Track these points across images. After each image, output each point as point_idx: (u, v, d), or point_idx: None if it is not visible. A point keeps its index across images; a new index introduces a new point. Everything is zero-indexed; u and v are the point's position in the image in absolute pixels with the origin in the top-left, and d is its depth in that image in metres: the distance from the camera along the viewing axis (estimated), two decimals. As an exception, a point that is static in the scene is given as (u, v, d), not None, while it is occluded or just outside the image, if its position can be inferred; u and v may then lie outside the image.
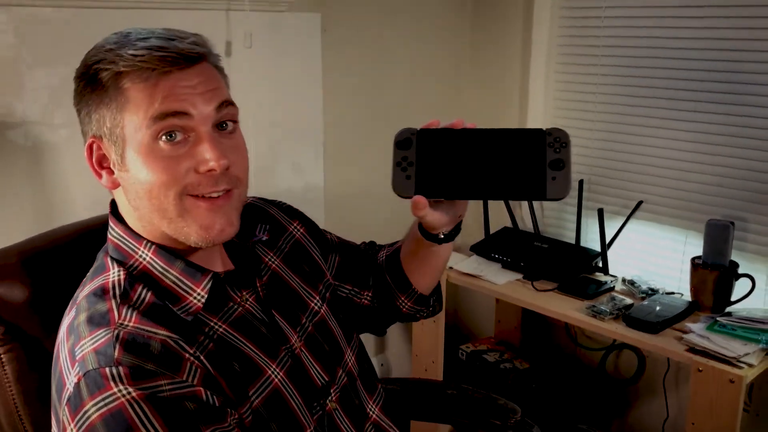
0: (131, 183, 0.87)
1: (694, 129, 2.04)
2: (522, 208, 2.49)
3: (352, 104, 2.27)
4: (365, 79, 2.30)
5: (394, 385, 1.56)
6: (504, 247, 2.27)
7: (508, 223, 2.44)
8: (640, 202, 2.16)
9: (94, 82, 0.86)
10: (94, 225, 1.12)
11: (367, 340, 1.58)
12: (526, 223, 2.47)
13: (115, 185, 0.91)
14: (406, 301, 1.20)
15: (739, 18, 1.90)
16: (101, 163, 0.90)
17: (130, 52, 0.84)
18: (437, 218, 0.99)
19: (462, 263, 2.24)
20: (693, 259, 1.93)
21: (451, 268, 2.21)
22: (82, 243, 1.07)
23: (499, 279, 2.12)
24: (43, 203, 1.65)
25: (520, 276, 2.15)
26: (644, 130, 2.15)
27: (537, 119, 2.42)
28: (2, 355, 1.01)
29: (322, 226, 1.22)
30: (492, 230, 2.43)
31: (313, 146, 2.18)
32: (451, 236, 1.06)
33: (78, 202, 1.66)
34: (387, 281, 1.20)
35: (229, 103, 0.90)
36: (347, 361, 1.08)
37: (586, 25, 2.26)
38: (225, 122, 0.90)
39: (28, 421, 1.01)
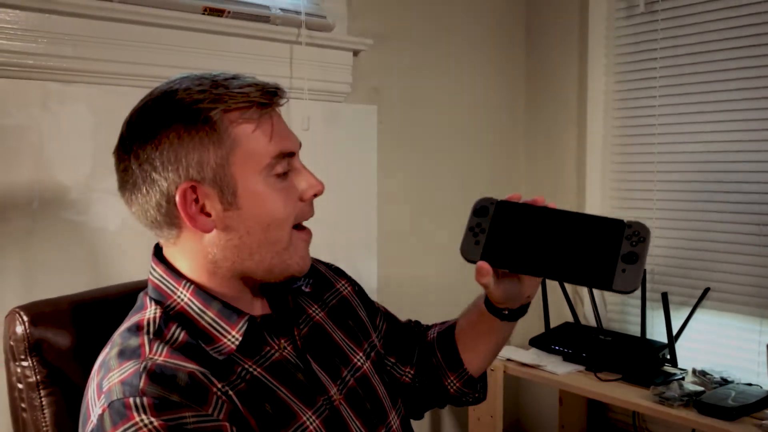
0: (242, 220, 0.88)
1: (761, 211, 1.97)
2: (584, 304, 2.42)
3: (406, 195, 2.30)
4: (419, 172, 2.34)
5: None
6: (565, 339, 2.19)
7: (569, 318, 2.36)
8: (707, 289, 2.06)
9: (195, 123, 0.85)
10: (145, 285, 1.14)
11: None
12: (588, 320, 2.39)
13: (208, 229, 0.88)
14: (455, 381, 1.15)
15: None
16: (202, 208, 0.88)
17: (235, 90, 0.87)
18: (501, 291, 0.98)
19: (521, 355, 2.16)
20: (768, 345, 1.81)
21: (509, 359, 2.12)
22: (131, 298, 1.09)
23: (560, 369, 2.03)
24: (93, 269, 1.69)
25: (582, 368, 2.05)
26: (708, 215, 2.10)
27: (595, 203, 2.39)
28: (43, 399, 1.01)
29: None
30: (552, 325, 2.35)
31: (366, 239, 2.20)
32: (515, 315, 1.05)
33: (125, 267, 1.70)
34: (436, 358, 1.16)
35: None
36: (391, 423, 1.03)
37: (640, 104, 2.27)
38: None
39: (60, 466, 0.99)
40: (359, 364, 1.04)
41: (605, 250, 0.86)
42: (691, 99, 2.12)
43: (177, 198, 0.86)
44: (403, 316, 2.17)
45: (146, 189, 0.88)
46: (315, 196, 0.94)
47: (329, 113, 2.06)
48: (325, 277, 1.13)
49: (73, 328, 1.06)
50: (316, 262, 1.15)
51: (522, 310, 1.04)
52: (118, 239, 1.70)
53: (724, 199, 2.06)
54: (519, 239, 0.91)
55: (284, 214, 0.90)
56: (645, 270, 2.15)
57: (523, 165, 2.61)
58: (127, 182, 0.90)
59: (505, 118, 2.57)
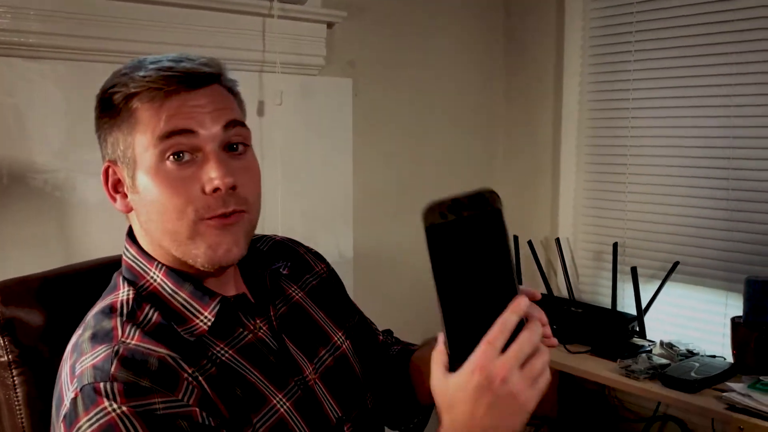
0: (142, 204, 0.88)
1: (729, 186, 2.01)
2: (558, 275, 2.45)
3: (381, 168, 2.31)
4: (395, 144, 2.34)
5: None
6: (537, 311, 2.22)
7: (543, 290, 2.39)
8: (676, 263, 2.10)
9: (108, 106, 0.89)
10: (116, 259, 1.14)
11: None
12: (561, 291, 2.42)
13: (128, 209, 0.92)
14: (398, 406, 1.15)
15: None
16: (116, 188, 0.92)
17: (140, 74, 0.86)
18: None
19: (493, 327, 2.19)
20: (733, 319, 1.85)
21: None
22: (101, 275, 1.08)
23: (531, 341, 2.06)
24: (66, 245, 1.69)
25: (553, 340, 2.08)
26: (677, 189, 2.13)
27: (569, 180, 2.41)
28: (15, 378, 1.01)
29: (349, 289, 1.21)
30: (526, 296, 2.38)
31: (342, 209, 2.21)
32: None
33: (98, 243, 1.70)
34: (389, 377, 1.15)
35: (238, 123, 0.89)
36: (368, 403, 1.04)
37: (615, 88, 2.28)
38: (236, 144, 0.90)
39: (32, 445, 1.00)
40: (339, 343, 1.05)
41: None
42: (666, 74, 2.13)
43: (101, 174, 0.92)
44: (378, 284, 2.19)
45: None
46: (216, 191, 0.85)
47: (303, 87, 2.05)
48: (305, 260, 1.13)
49: (45, 307, 1.05)
50: (296, 244, 1.15)
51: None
52: (91, 215, 1.70)
53: (693, 174, 2.09)
54: None
55: (174, 206, 0.85)
56: (616, 243, 2.20)
57: (501, 136, 2.62)
58: None
59: (482, 89, 2.57)
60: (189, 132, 0.85)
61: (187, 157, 0.86)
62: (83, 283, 1.10)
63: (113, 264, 1.06)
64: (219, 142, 0.87)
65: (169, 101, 0.85)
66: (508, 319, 0.68)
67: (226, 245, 0.87)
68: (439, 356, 0.72)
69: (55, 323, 1.04)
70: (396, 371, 1.15)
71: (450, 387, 0.70)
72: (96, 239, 1.71)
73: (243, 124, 0.91)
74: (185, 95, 0.86)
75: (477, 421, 0.69)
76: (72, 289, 1.10)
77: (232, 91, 0.94)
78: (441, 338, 0.71)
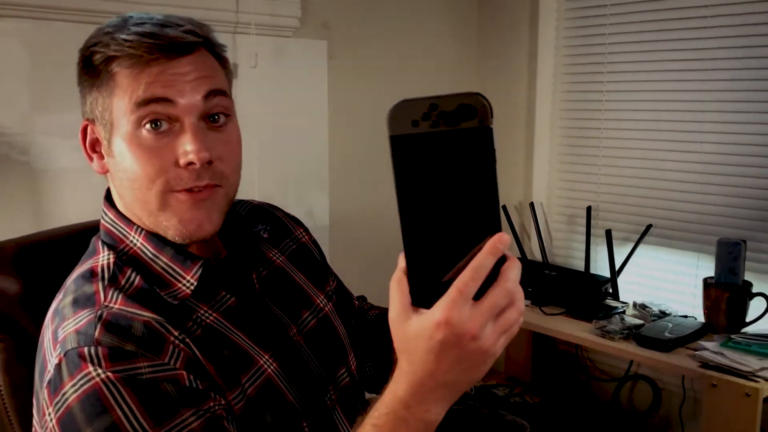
0: (116, 170, 0.86)
1: (701, 150, 2.03)
2: (531, 239, 2.47)
3: (357, 132, 2.29)
4: (371, 107, 2.31)
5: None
6: (512, 275, 2.24)
7: (517, 254, 2.41)
8: (649, 226, 2.13)
9: (89, 65, 0.86)
10: (94, 224, 1.11)
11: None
12: (534, 254, 2.45)
13: (105, 170, 0.90)
14: (370, 369, 1.16)
15: (747, 37, 1.92)
16: (93, 147, 0.90)
17: (123, 36, 0.83)
18: None
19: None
20: (705, 279, 1.89)
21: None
22: (77, 240, 1.06)
23: (507, 304, 2.08)
24: (36, 211, 1.65)
25: (528, 302, 2.11)
26: (651, 153, 2.15)
27: (543, 144, 2.42)
28: (-8, 345, 0.99)
29: (326, 250, 1.21)
30: (500, 260, 2.40)
31: (317, 174, 2.19)
32: None
33: (70, 208, 1.67)
34: (367, 339, 1.16)
35: (219, 92, 0.86)
36: (351, 363, 1.05)
37: (590, 51, 2.29)
38: (216, 114, 0.87)
39: (13, 412, 0.98)
40: (321, 305, 1.05)
41: None
42: (641, 38, 2.14)
43: (80, 132, 0.90)
44: (355, 250, 2.19)
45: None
46: (190, 165, 0.83)
47: (277, 49, 2.01)
48: (284, 224, 1.13)
49: (20, 273, 1.03)
50: (274, 209, 1.15)
51: None
52: (61, 180, 1.66)
53: (666, 138, 2.10)
54: None
55: (145, 174, 0.83)
56: (590, 207, 2.22)
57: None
58: None
59: (457, 50, 2.54)
60: (167, 101, 0.83)
61: (164, 126, 0.83)
62: (60, 249, 1.08)
63: (90, 230, 1.04)
64: (198, 113, 0.85)
65: (150, 68, 0.82)
66: (483, 262, 0.59)
67: (198, 221, 0.86)
68: (398, 286, 0.63)
69: (33, 289, 1.02)
70: (374, 336, 1.16)
71: (410, 332, 0.63)
72: (67, 204, 1.67)
73: (224, 93, 0.88)
74: (167, 63, 0.83)
75: (439, 376, 0.64)
76: (48, 256, 1.08)
77: (219, 57, 0.91)
78: (401, 263, 0.62)
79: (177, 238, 0.87)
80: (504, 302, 0.62)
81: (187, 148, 0.82)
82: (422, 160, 0.57)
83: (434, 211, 0.58)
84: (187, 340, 0.83)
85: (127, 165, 0.84)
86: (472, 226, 0.59)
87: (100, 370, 0.75)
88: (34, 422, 0.83)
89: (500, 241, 0.59)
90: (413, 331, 0.62)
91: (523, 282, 0.64)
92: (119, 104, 0.83)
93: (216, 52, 0.90)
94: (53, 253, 1.07)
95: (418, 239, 0.59)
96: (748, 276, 1.86)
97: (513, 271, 0.62)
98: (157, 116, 0.83)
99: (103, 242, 0.91)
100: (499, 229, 0.59)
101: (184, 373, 0.80)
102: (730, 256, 1.82)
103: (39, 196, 1.64)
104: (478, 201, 0.58)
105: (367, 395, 1.12)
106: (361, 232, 2.31)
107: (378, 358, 1.15)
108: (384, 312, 1.19)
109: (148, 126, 0.83)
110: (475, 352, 0.62)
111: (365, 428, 0.69)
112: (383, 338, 1.13)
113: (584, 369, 2.34)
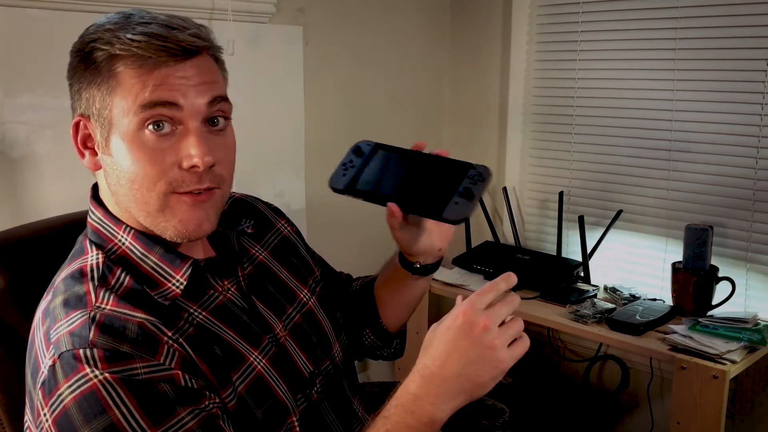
0: (113, 168, 0.86)
1: (671, 137, 2.08)
2: (503, 223, 2.51)
3: (332, 117, 2.29)
4: (346, 93, 2.32)
5: (376, 388, 1.55)
6: (486, 259, 2.28)
7: (490, 238, 2.45)
8: (620, 211, 2.18)
9: (88, 60, 0.85)
10: (76, 218, 1.11)
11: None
12: (507, 238, 2.48)
13: (97, 167, 0.90)
14: (369, 334, 1.20)
15: (718, 28, 1.96)
16: (85, 143, 0.89)
17: (129, 36, 0.82)
18: (408, 238, 1.03)
19: (444, 274, 2.24)
20: (673, 264, 1.94)
21: (434, 279, 2.20)
22: (62, 234, 1.06)
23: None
24: (15, 202, 1.63)
25: (502, 286, 2.14)
26: (621, 140, 2.19)
27: (516, 129, 2.45)
28: (-22, 341, 0.99)
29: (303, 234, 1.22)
30: (474, 244, 2.44)
31: (293, 160, 2.19)
32: (426, 270, 1.09)
33: (50, 198, 1.65)
34: (355, 310, 1.19)
35: (222, 98, 0.88)
36: (335, 354, 1.07)
37: (563, 39, 2.31)
38: (216, 118, 0.88)
39: (2, 408, 0.98)
40: (305, 300, 1.06)
41: (447, 185, 0.92)
42: (613, 26, 2.17)
43: (71, 127, 0.89)
44: (330, 237, 2.21)
45: (72, 114, 0.91)
46: (193, 168, 0.84)
47: (253, 35, 2.00)
48: (266, 217, 1.14)
49: (5, 269, 1.03)
50: (255, 201, 1.16)
51: (434, 266, 1.09)
52: (38, 171, 1.64)
53: (637, 125, 2.15)
54: (380, 175, 0.96)
55: (147, 175, 0.83)
56: (562, 192, 2.26)
57: (448, 86, 2.62)
58: None
59: (430, 37, 2.55)
60: (173, 105, 0.83)
61: (167, 128, 0.84)
62: (43, 243, 1.08)
63: (73, 225, 1.04)
64: (202, 117, 0.86)
65: (157, 70, 0.83)
66: (498, 283, 0.80)
67: (197, 221, 0.87)
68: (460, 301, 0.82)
69: (18, 285, 1.02)
70: (363, 304, 1.19)
71: (440, 327, 0.81)
72: (48, 195, 1.65)
73: (226, 99, 0.90)
74: (173, 66, 0.83)
75: (450, 363, 0.78)
76: (32, 250, 1.08)
77: (219, 62, 0.92)
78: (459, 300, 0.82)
79: (176, 238, 0.87)
80: (507, 314, 0.79)
81: (192, 152, 0.84)
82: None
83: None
84: (181, 340, 0.84)
85: (126, 165, 0.84)
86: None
87: (97, 371, 0.76)
88: (27, 421, 0.84)
89: (511, 275, 0.82)
90: (442, 326, 0.81)
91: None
92: (121, 103, 0.83)
93: (215, 55, 0.91)
94: (37, 249, 1.07)
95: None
96: (714, 261, 1.92)
97: (514, 299, 0.80)
98: (161, 118, 0.83)
99: (91, 241, 0.91)
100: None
101: (180, 372, 0.81)
102: (698, 242, 1.87)
103: (16, 187, 1.62)
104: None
105: (361, 380, 1.15)
106: (338, 215, 2.32)
107: (373, 322, 1.19)
108: (368, 280, 1.23)
109: (150, 127, 0.83)
110: (484, 345, 0.77)
111: (376, 421, 0.81)
112: (368, 304, 1.19)
113: (556, 350, 2.40)
